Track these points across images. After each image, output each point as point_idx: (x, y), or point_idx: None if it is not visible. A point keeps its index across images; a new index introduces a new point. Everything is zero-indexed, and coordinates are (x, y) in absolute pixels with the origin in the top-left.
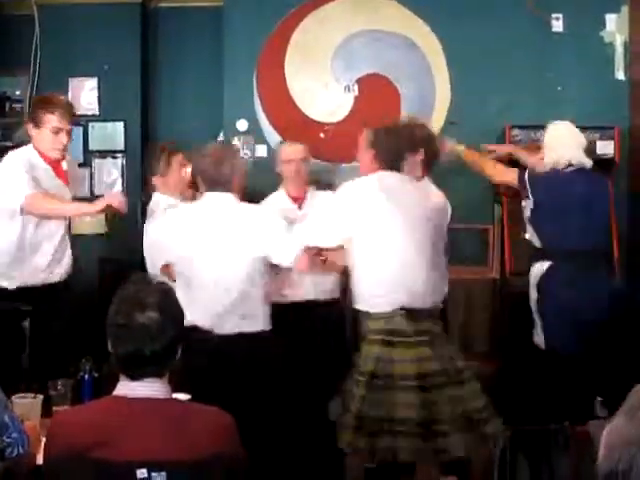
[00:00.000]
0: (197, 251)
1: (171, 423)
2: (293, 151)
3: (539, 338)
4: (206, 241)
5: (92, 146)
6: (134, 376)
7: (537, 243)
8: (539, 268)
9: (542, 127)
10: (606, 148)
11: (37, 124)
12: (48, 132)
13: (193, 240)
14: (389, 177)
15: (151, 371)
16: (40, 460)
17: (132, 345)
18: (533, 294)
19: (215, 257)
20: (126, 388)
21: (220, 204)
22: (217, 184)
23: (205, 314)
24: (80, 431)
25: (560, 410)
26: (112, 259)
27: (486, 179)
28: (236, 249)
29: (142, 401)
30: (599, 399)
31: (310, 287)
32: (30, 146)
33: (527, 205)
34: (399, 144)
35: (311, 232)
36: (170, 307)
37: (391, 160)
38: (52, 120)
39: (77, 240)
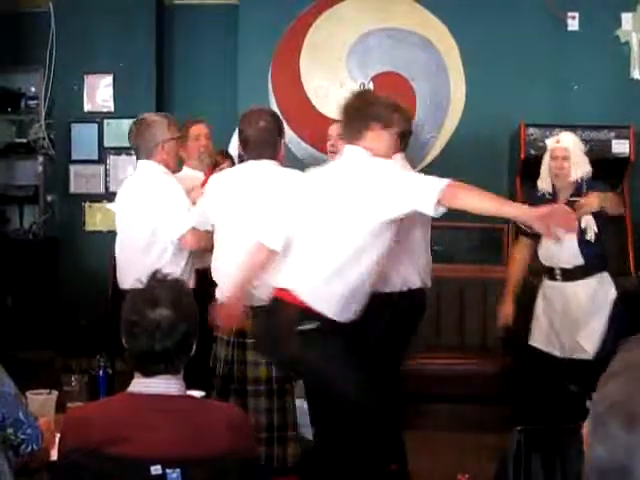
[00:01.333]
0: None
1: (185, 420)
2: None
3: None
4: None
5: (107, 143)
6: (147, 373)
7: None
8: None
9: (558, 126)
10: (621, 147)
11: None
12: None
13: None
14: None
15: (164, 368)
16: (54, 456)
17: (144, 341)
18: None
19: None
20: (140, 385)
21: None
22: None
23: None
24: (94, 427)
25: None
26: None
27: (498, 176)
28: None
29: (156, 398)
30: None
31: None
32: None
33: None
34: (353, 119)
35: None
36: (183, 304)
37: (348, 137)
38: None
39: (91, 237)
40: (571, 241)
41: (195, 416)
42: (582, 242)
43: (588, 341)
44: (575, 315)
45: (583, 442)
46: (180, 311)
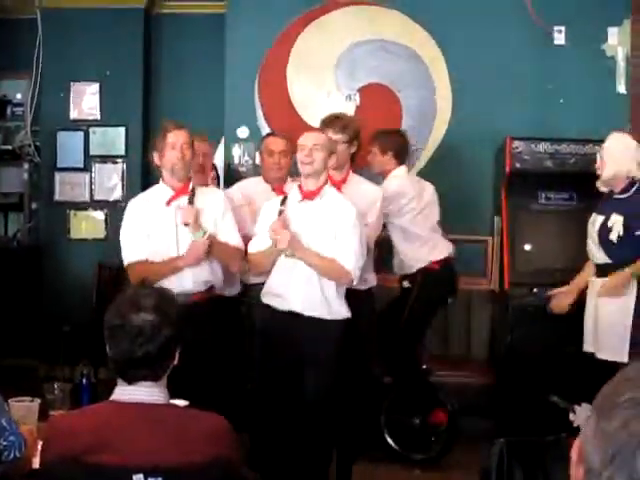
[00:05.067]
0: None
1: (168, 428)
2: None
3: None
4: None
5: (93, 151)
6: (130, 379)
7: None
8: None
9: (543, 140)
10: None
11: None
12: None
13: None
14: None
15: (146, 374)
16: (37, 464)
17: (126, 346)
18: None
19: None
20: (123, 392)
21: None
22: None
23: None
24: (76, 435)
25: (559, 420)
26: (110, 265)
27: (483, 189)
28: None
29: (139, 406)
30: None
31: None
32: None
33: None
34: None
35: None
36: (167, 310)
37: None
38: None
39: (76, 245)
40: (594, 232)
41: (178, 424)
42: (606, 241)
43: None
44: (600, 312)
45: (565, 455)
46: (164, 316)
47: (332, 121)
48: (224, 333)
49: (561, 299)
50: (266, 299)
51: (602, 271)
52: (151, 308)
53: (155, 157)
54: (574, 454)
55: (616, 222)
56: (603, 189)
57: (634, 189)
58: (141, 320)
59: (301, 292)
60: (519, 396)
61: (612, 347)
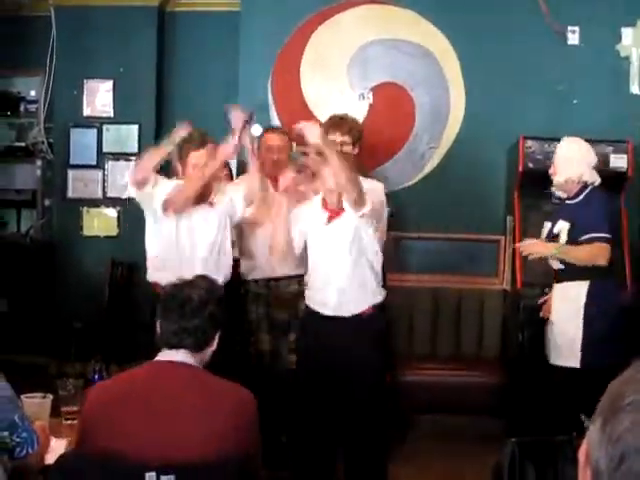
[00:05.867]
0: None
1: (198, 388)
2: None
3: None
4: None
5: (106, 148)
6: (173, 346)
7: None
8: None
9: (557, 139)
10: (619, 162)
11: None
12: None
13: None
14: None
15: (188, 343)
16: (49, 460)
17: (175, 314)
18: None
19: None
20: (163, 355)
21: None
22: None
23: None
24: (111, 387)
25: (569, 421)
26: (123, 262)
27: (496, 188)
28: None
29: (175, 364)
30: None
31: None
32: None
33: None
34: None
35: None
36: (214, 290)
37: None
38: None
39: (88, 242)
40: (542, 239)
41: (208, 388)
42: None
43: (567, 348)
44: (554, 317)
45: (576, 454)
46: (211, 294)
47: (338, 123)
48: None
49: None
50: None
51: (559, 276)
52: (201, 287)
53: (177, 166)
54: (581, 457)
55: (562, 229)
56: (559, 194)
57: (584, 195)
58: (191, 293)
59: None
60: (531, 396)
61: (565, 353)
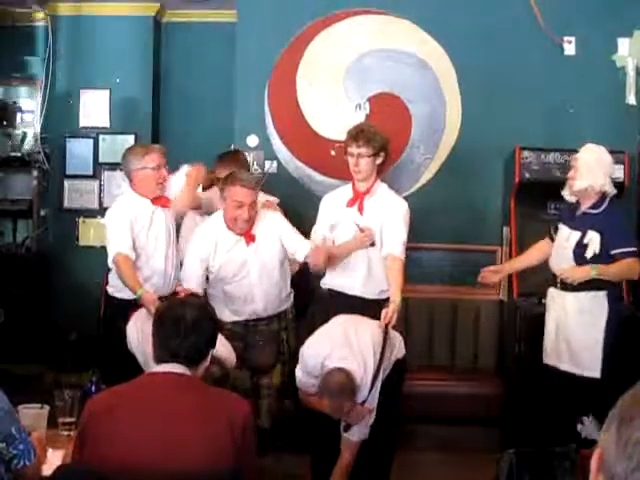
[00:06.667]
0: None
1: (193, 395)
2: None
3: None
4: None
5: (102, 158)
6: (168, 359)
7: None
8: None
9: (553, 150)
10: (616, 172)
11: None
12: None
13: None
14: None
15: (183, 356)
16: (46, 471)
17: (170, 330)
18: None
19: None
20: (159, 368)
21: None
22: None
23: None
24: (108, 396)
25: (566, 431)
26: None
27: (492, 198)
28: None
29: (170, 374)
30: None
31: None
32: None
33: None
34: None
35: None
36: (208, 311)
37: None
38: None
39: (84, 252)
40: (569, 249)
41: (203, 395)
42: (580, 257)
43: (587, 359)
44: (567, 326)
45: (574, 465)
46: (204, 312)
47: (355, 136)
48: None
49: (490, 276)
50: None
51: (568, 285)
52: (196, 306)
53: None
54: (594, 463)
55: (592, 239)
56: (569, 199)
57: (605, 205)
58: (186, 311)
59: None
60: (527, 406)
61: (585, 363)
